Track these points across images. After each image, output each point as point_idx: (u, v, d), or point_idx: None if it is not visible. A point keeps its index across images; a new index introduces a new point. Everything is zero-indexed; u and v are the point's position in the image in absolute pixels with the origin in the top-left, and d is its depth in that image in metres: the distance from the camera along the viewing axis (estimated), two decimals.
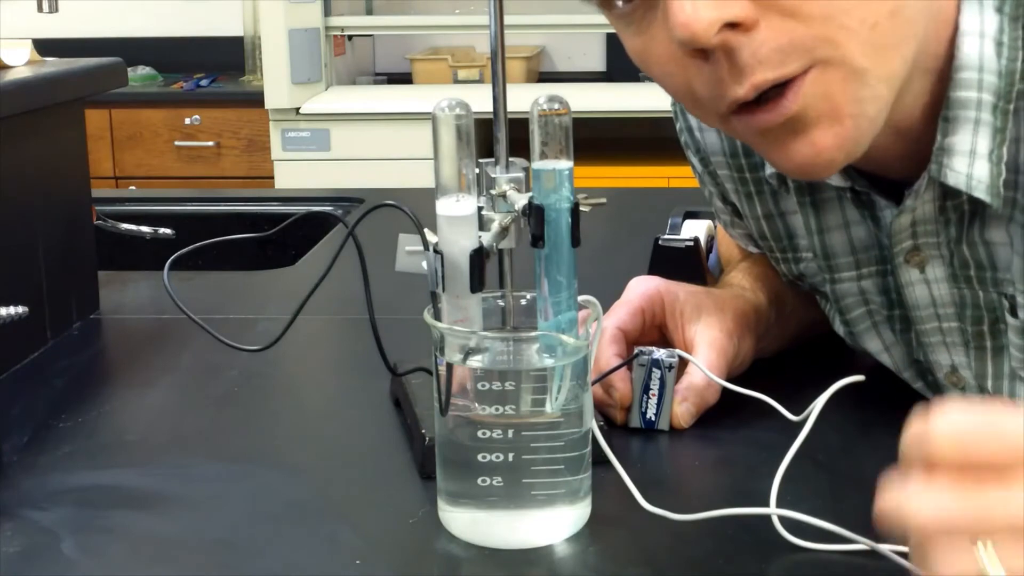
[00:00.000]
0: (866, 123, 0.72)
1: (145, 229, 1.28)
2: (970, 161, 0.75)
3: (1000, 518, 0.49)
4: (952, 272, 0.82)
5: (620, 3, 0.72)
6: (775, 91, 0.70)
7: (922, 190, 0.78)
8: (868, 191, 0.83)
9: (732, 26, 0.67)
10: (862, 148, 0.73)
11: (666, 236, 1.12)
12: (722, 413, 0.87)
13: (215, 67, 3.86)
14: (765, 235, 0.95)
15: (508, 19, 0.71)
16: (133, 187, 3.43)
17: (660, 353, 0.86)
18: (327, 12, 3.38)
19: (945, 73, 0.75)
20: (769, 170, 0.88)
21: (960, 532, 0.50)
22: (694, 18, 0.66)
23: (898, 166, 0.80)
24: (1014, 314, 0.80)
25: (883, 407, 0.88)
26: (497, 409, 0.69)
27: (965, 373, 0.85)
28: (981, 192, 0.75)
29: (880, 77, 0.70)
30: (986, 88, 0.74)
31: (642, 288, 0.92)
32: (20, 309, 0.92)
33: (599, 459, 0.75)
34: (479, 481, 0.70)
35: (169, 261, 0.88)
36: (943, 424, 0.51)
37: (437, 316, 0.70)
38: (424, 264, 0.70)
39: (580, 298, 0.70)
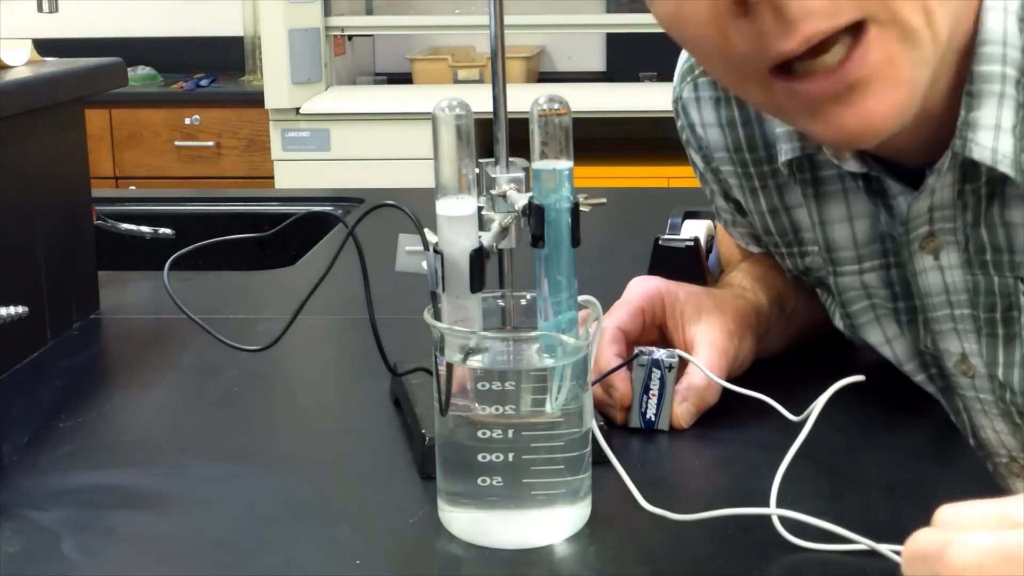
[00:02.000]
0: (919, 89, 0.71)
1: (145, 229, 1.28)
2: (995, 135, 0.75)
3: None
4: (967, 258, 0.82)
5: None
6: (829, 58, 0.69)
7: (944, 168, 0.77)
8: (883, 176, 0.83)
9: None
10: (910, 115, 0.72)
11: (666, 236, 1.12)
12: (722, 413, 0.87)
13: (215, 67, 3.86)
14: (770, 230, 0.94)
15: (508, 19, 0.71)
16: (133, 187, 3.43)
17: (660, 353, 0.85)
18: (327, 12, 3.38)
19: (969, 49, 0.75)
20: (782, 158, 0.88)
21: None
22: None
23: (916, 150, 0.79)
24: None
25: (884, 407, 0.89)
26: (497, 409, 0.69)
27: (975, 361, 0.85)
28: (1006, 167, 0.75)
29: (930, 38, 0.70)
30: (1010, 62, 0.74)
31: (642, 288, 0.92)
32: (20, 309, 0.92)
33: (599, 459, 0.75)
34: (479, 481, 0.70)
35: (169, 261, 0.88)
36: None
37: (437, 316, 0.70)
38: (424, 264, 0.70)
39: (580, 298, 0.70)
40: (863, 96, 0.70)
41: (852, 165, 0.82)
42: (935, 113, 0.77)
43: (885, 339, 0.91)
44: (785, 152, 0.87)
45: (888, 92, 0.70)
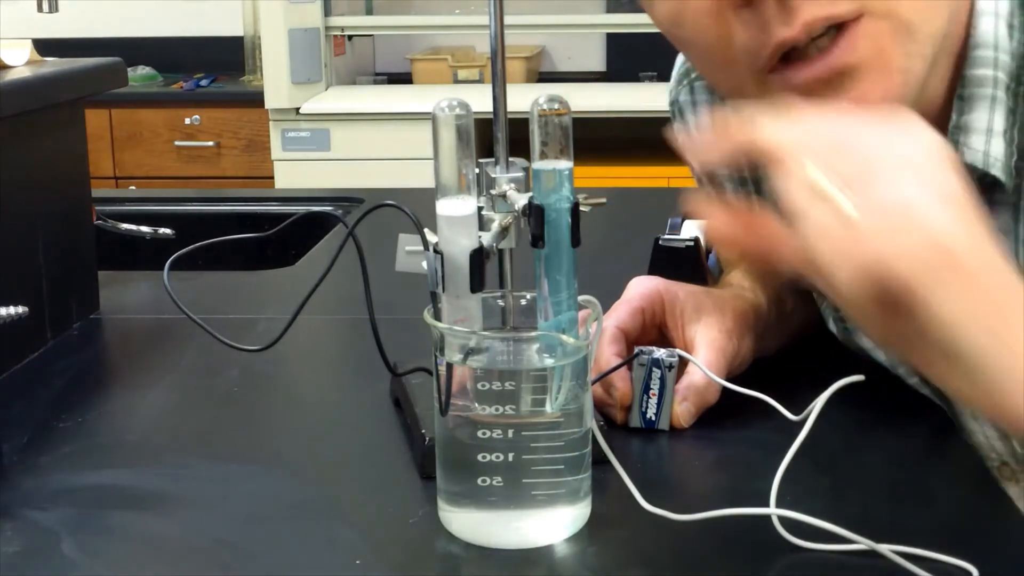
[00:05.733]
0: (912, 80, 0.72)
1: (145, 229, 1.28)
2: (987, 139, 0.75)
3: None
4: None
5: None
6: (824, 40, 0.70)
7: None
8: None
9: None
10: (907, 106, 0.72)
11: (666, 236, 1.12)
12: (722, 413, 0.87)
13: (215, 67, 3.86)
14: None
15: (508, 19, 0.71)
16: (133, 187, 3.43)
17: (660, 353, 0.85)
18: (327, 12, 3.38)
19: (962, 53, 0.75)
20: None
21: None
22: None
23: None
24: None
25: (883, 407, 0.89)
26: (497, 409, 0.69)
27: None
28: (998, 170, 0.75)
29: (927, 33, 0.71)
30: (1001, 67, 0.75)
31: (642, 288, 0.92)
32: (20, 309, 0.92)
33: (599, 459, 0.74)
34: (479, 481, 0.70)
35: (169, 261, 0.88)
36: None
37: (437, 316, 0.70)
38: (424, 264, 0.70)
39: (580, 298, 0.70)
40: (856, 82, 0.71)
41: None
42: (933, 115, 0.77)
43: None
44: None
45: (880, 79, 0.71)
